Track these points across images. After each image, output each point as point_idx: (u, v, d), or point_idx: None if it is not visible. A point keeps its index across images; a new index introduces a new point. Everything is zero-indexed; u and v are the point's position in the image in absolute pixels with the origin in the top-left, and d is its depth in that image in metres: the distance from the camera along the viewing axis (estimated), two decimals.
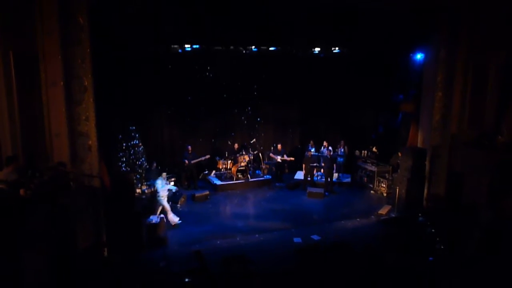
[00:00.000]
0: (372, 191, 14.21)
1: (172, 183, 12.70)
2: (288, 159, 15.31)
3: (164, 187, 11.02)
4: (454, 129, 11.14)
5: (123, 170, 12.45)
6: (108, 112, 10.21)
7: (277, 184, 14.84)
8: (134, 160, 12.95)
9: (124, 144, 12.77)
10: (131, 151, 12.88)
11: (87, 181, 8.36)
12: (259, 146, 15.81)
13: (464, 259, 8.19)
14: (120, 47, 11.18)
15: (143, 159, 13.25)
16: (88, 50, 8.15)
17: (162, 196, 10.99)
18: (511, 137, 10.56)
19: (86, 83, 8.23)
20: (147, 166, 13.40)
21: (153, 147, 13.99)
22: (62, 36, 7.79)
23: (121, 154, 12.65)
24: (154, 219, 10.13)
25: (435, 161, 11.46)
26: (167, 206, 11.05)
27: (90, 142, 8.44)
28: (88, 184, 8.36)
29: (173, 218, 11.01)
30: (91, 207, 8.35)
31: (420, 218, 10.79)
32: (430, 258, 8.38)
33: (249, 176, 14.56)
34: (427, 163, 11.58)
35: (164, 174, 11.29)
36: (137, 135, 13.06)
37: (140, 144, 13.15)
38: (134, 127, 12.98)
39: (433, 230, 9.81)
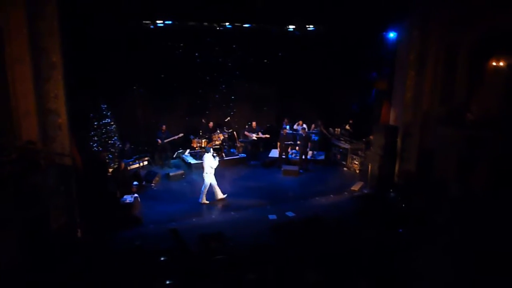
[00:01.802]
0: (345, 168, 14.46)
1: (146, 162, 12.60)
2: (264, 136, 15.36)
3: (212, 163, 10.89)
4: (425, 107, 11.38)
5: (95, 149, 12.23)
6: (78, 89, 9.93)
7: (252, 162, 14.90)
8: (106, 139, 12.75)
9: (95, 123, 12.53)
10: (103, 130, 12.65)
11: (58, 160, 8.17)
12: (233, 124, 15.77)
13: (434, 230, 8.49)
14: (90, 22, 10.79)
15: (115, 138, 13.03)
16: (56, 24, 7.84)
17: (210, 172, 10.90)
18: (480, 114, 10.93)
19: (55, 59, 7.97)
20: (120, 145, 13.20)
21: (126, 126, 13.70)
22: (27, 9, 7.46)
23: (92, 133, 12.42)
24: (128, 198, 10.05)
25: (407, 138, 11.71)
26: (215, 181, 11.04)
27: (60, 120, 8.23)
28: (59, 163, 8.18)
29: (204, 197, 11.05)
30: (63, 186, 8.18)
31: (392, 194, 11.13)
32: (400, 230, 8.69)
33: (223, 154, 14.56)
34: (398, 140, 11.83)
35: (211, 149, 11.18)
36: (109, 114, 12.80)
37: (112, 123, 12.91)
38: (105, 106, 12.70)
39: (403, 205, 10.23)
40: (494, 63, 11.32)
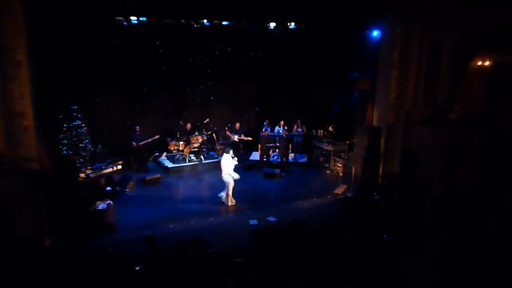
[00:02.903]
0: (328, 171, 14.58)
1: (120, 166, 12.44)
2: (246, 138, 15.36)
3: (231, 164, 10.93)
4: (408, 107, 11.57)
5: (65, 153, 12.00)
6: (46, 90, 9.74)
7: None
8: (77, 142, 12.53)
9: (65, 125, 12.29)
10: (73, 132, 12.43)
11: (25, 165, 7.95)
12: (212, 126, 15.73)
13: (417, 233, 8.56)
14: (59, 18, 10.54)
15: (86, 141, 12.82)
16: (21, 20, 7.64)
17: (228, 174, 10.92)
18: (463, 114, 11.15)
19: (20, 58, 7.79)
20: (92, 149, 13.00)
21: (98, 128, 13.53)
22: None
23: (62, 135, 12.18)
24: (101, 205, 9.88)
25: (390, 139, 11.88)
26: (230, 187, 11.04)
27: (26, 123, 8.04)
28: (26, 168, 7.97)
29: (231, 200, 11.18)
30: (29, 192, 7.97)
31: (376, 196, 11.25)
32: (384, 236, 8.72)
33: (202, 157, 14.47)
34: (382, 141, 11.98)
35: (230, 150, 11.14)
36: (79, 115, 12.59)
37: (83, 124, 12.70)
38: (76, 107, 12.48)
39: (388, 208, 10.29)
40: (478, 63, 11.57)
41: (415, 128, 11.43)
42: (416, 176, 11.25)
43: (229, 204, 11.17)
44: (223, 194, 11.31)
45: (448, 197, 9.75)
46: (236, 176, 11.07)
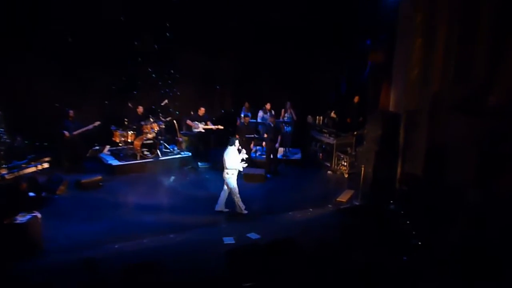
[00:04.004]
0: (329, 171, 14.78)
1: (47, 164, 12.34)
2: (215, 127, 15.39)
3: (236, 160, 11.25)
4: (436, 87, 11.66)
5: None
6: None
7: (199, 164, 14.99)
8: None
9: None
10: None
11: None
12: (173, 109, 15.75)
13: (446, 255, 8.83)
14: None
15: (1, 130, 12.69)
16: None
17: (232, 174, 11.26)
18: (504, 98, 11.27)
19: None
20: (8, 141, 12.86)
21: (16, 113, 13.36)
22: None
23: None
24: (23, 217, 9.79)
25: (412, 130, 11.99)
26: (236, 188, 11.37)
27: None
28: None
29: (242, 206, 11.55)
30: None
31: (392, 206, 11.50)
32: (404, 258, 8.99)
33: (159, 152, 14.51)
34: (401, 132, 12.10)
35: (236, 141, 11.47)
36: None
37: None
38: None
39: (408, 222, 10.56)
40: None
41: (445, 115, 11.49)
42: (445, 179, 11.33)
43: (242, 211, 11.58)
44: (220, 206, 11.59)
45: (486, 206, 9.97)
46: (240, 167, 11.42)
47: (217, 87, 16.90)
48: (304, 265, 8.38)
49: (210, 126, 15.39)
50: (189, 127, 15.41)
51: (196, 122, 15.20)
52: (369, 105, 14.23)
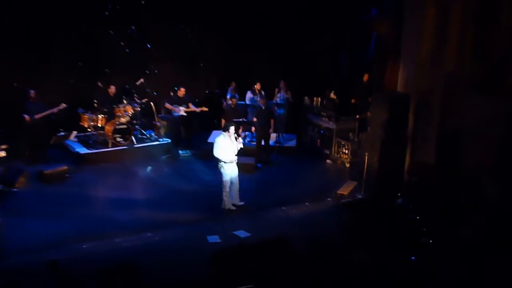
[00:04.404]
0: (328, 160, 14.71)
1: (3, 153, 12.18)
2: (198, 109, 15.23)
3: (228, 148, 11.09)
4: (451, 65, 11.60)
5: None
6: None
7: (180, 152, 14.88)
8: None
9: None
10: None
11: None
12: (150, 90, 15.71)
13: (461, 255, 8.73)
14: None
15: None
16: None
17: (223, 164, 11.14)
18: None
19: None
20: None
21: None
22: None
23: None
24: None
25: (423, 113, 11.95)
26: (228, 182, 11.27)
27: None
28: None
29: (229, 202, 11.48)
30: None
31: (399, 200, 11.36)
32: (412, 258, 8.90)
33: (134, 139, 14.39)
34: (410, 116, 12.04)
35: (231, 127, 11.17)
36: None
37: None
38: None
39: (417, 217, 10.46)
40: None
41: (460, 96, 11.48)
42: (461, 168, 11.37)
43: (226, 207, 11.44)
44: (227, 203, 11.49)
45: (507, 200, 9.93)
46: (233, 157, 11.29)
47: (200, 64, 16.71)
48: (299, 268, 8.29)
49: (193, 109, 15.19)
50: (169, 111, 15.20)
51: (176, 105, 14.99)
52: (374, 85, 14.14)
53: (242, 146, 11.45)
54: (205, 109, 15.33)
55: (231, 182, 11.38)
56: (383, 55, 14.02)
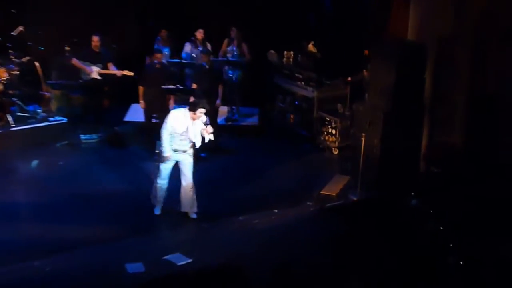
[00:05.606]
0: (307, 144, 14.63)
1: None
2: (119, 73, 14.87)
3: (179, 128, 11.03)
4: (482, 3, 11.56)
5: None
6: None
7: (82, 136, 14.62)
8: None
9: None
10: None
11: None
12: (35, 43, 15.43)
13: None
14: None
15: None
16: None
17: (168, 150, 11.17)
18: None
19: None
20: None
21: None
22: None
23: None
24: None
25: (446, 73, 11.92)
26: (188, 173, 11.45)
27: None
28: None
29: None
30: None
31: (414, 201, 11.31)
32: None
33: (10, 118, 14.07)
34: (427, 76, 11.90)
35: (202, 109, 10.93)
36: None
37: None
38: None
39: (440, 227, 10.33)
40: None
41: (498, 46, 11.50)
42: (501, 154, 11.39)
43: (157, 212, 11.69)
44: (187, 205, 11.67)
45: None
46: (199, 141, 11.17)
47: (115, 10, 16.66)
48: None
49: (113, 71, 14.85)
50: (72, 71, 14.92)
51: (89, 63, 14.65)
52: (373, 31, 14.19)
53: (211, 132, 11.05)
54: (128, 73, 14.91)
55: (181, 184, 11.29)
56: None
